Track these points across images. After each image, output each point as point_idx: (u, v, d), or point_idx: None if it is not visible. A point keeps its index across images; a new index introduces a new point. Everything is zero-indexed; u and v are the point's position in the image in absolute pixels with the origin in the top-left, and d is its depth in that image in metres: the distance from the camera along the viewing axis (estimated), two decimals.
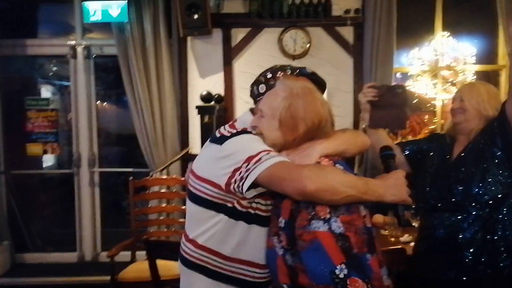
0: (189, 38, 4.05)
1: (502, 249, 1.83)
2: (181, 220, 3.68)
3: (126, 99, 4.06)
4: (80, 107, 4.33)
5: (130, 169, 4.52)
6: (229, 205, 1.43)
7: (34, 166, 4.72)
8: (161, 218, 3.88)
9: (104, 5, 3.83)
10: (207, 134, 3.60)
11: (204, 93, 3.86)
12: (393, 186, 1.37)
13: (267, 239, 1.44)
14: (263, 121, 1.44)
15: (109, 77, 4.88)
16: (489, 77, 4.26)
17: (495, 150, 1.88)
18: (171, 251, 2.29)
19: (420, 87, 4.25)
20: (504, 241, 1.83)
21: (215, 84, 4.07)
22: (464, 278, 1.86)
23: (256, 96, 1.60)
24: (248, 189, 1.36)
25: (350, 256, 1.25)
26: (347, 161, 1.49)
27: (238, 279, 1.47)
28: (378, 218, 2.96)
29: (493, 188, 1.85)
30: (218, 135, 1.49)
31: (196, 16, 3.74)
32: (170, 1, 3.92)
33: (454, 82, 4.16)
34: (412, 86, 4.26)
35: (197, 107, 3.85)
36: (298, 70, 1.58)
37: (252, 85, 1.63)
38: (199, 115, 3.86)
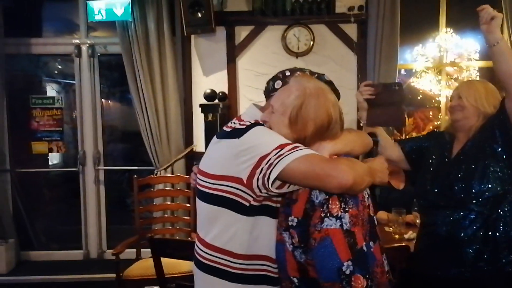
0: (192, 36, 4.06)
1: (504, 246, 1.84)
2: (186, 218, 3.70)
3: (131, 97, 4.09)
4: (85, 105, 4.36)
5: (135, 167, 4.57)
6: (245, 202, 1.38)
7: (39, 164, 4.74)
8: (166, 216, 3.90)
9: (108, 4, 3.85)
10: (211, 132, 3.62)
11: (208, 91, 3.86)
12: (379, 170, 1.46)
13: (277, 232, 1.43)
14: (273, 117, 1.43)
15: (114, 75, 4.88)
16: (493, 74, 4.22)
17: (495, 147, 1.89)
18: (176, 249, 2.31)
19: (424, 83, 4.23)
20: (505, 238, 1.84)
21: (219, 82, 4.08)
22: (465, 275, 1.87)
23: (270, 91, 1.58)
24: (274, 180, 1.31)
25: (355, 252, 1.26)
26: None
27: (261, 276, 1.44)
28: (382, 214, 2.96)
29: (493, 184, 1.85)
30: (228, 129, 1.46)
31: (199, 14, 3.75)
32: None
33: (458, 78, 4.15)
34: (416, 82, 4.25)
35: (200, 105, 3.85)
36: (316, 75, 1.57)
37: (269, 81, 1.61)
38: (202, 113, 3.87)
